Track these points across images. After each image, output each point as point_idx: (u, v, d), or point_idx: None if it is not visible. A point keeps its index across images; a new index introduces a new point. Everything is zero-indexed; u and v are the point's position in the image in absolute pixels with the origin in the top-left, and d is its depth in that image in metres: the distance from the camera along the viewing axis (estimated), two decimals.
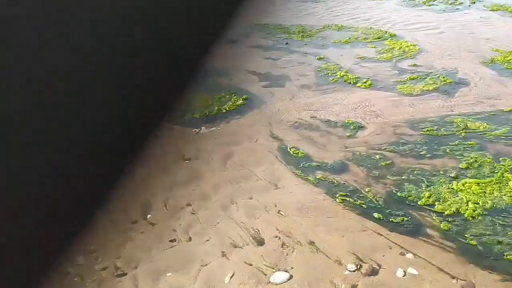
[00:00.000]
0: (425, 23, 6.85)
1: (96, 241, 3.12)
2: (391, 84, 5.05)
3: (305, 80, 5.39)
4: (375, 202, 3.20)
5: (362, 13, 7.60)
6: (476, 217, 2.94)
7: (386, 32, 6.59)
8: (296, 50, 6.32)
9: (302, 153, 3.91)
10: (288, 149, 4.00)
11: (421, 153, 3.71)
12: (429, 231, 2.89)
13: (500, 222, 2.89)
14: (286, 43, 6.57)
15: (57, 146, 3.02)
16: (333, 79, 5.32)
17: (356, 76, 5.28)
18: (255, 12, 8.40)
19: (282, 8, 8.51)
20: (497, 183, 3.24)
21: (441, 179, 3.35)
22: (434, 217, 3.00)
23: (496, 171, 3.36)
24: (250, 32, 7.20)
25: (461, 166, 3.47)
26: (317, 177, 3.55)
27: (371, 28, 6.85)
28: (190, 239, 3.05)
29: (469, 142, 3.76)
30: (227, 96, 5.15)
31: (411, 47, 5.97)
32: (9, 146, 2.55)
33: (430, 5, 7.68)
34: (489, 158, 3.52)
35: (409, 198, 3.20)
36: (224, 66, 6.02)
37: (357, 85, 5.10)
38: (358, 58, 5.86)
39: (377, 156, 3.73)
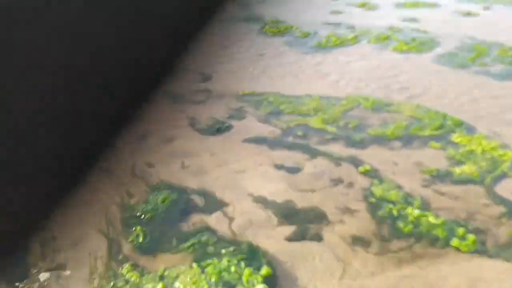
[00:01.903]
0: (496, 100, 4.78)
1: None
2: (504, 239, 2.91)
3: (355, 227, 3.16)
4: None
5: (392, 75, 5.46)
6: None
7: (445, 117, 4.46)
8: (318, 151, 4.09)
9: None
10: None
11: None
12: None
13: None
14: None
15: None
16: (406, 226, 3.12)
17: (440, 221, 3.11)
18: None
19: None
20: None
21: None
22: None
23: None
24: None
25: None
26: None
27: (417, 106, 4.71)
28: None
29: None
30: None
31: (500, 151, 3.86)
32: None
33: (484, 66, 5.63)
34: None
35: None
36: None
37: (452, 243, 2.92)
38: (424, 172, 3.70)
39: None
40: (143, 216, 3.31)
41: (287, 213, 3.38)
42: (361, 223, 3.27)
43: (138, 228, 3.21)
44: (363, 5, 7.73)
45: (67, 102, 3.44)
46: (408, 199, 3.46)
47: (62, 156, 3.52)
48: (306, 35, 6.52)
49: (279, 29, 6.77)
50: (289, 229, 3.23)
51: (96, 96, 3.92)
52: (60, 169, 3.51)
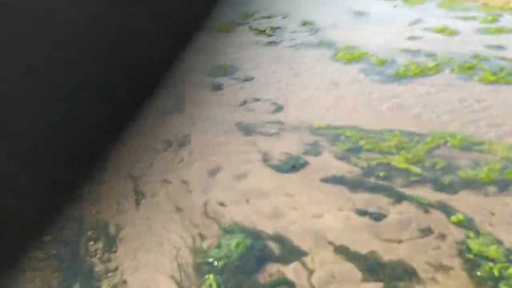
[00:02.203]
0: None
1: None
2: None
3: None
4: None
5: (479, 109, 4.99)
6: None
7: None
8: (403, 195, 3.74)
9: None
10: None
11: None
12: None
13: None
14: None
15: None
16: None
17: None
18: None
19: None
20: None
21: None
22: None
23: None
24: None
25: None
26: None
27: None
28: None
29: None
30: None
31: None
32: None
33: None
34: None
35: None
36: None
37: None
38: None
39: None
40: (216, 262, 3.12)
41: (372, 267, 3.06)
42: (457, 283, 2.89)
43: (212, 276, 3.02)
44: (442, 30, 7.29)
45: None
46: (509, 257, 3.04)
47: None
48: (383, 62, 6.18)
49: (353, 56, 6.49)
50: (375, 287, 2.91)
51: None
52: None
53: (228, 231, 3.42)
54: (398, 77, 5.75)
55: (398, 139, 4.47)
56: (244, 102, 5.47)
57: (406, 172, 3.96)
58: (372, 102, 5.21)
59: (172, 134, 4.95)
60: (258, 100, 5.52)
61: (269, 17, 8.99)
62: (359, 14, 8.55)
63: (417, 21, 7.84)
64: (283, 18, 8.85)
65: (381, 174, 3.96)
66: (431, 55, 6.34)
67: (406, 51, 6.61)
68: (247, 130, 4.83)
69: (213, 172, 4.15)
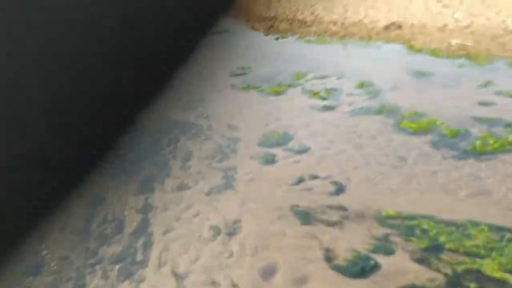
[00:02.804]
0: None
1: None
2: None
3: None
4: None
5: None
6: None
7: None
8: None
9: None
10: None
11: None
12: None
13: None
14: None
15: None
16: None
17: None
18: None
19: None
20: None
21: None
22: None
23: None
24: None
25: None
26: None
27: None
28: None
29: None
30: None
31: None
32: None
33: None
34: None
35: None
36: None
37: None
38: None
39: None
40: None
41: None
42: None
43: None
44: None
45: None
46: None
47: None
48: (455, 133, 5.52)
49: (420, 125, 5.86)
50: None
51: None
52: None
53: None
54: (475, 153, 5.06)
55: (486, 236, 3.76)
56: (300, 180, 4.93)
57: (503, 284, 3.24)
58: (448, 184, 4.54)
59: (221, 216, 4.45)
60: (315, 177, 4.97)
61: (323, 78, 8.57)
62: (421, 74, 7.97)
63: (488, 83, 7.15)
64: (337, 78, 8.40)
65: (471, 285, 3.25)
66: (511, 126, 5.62)
67: (479, 120, 5.92)
68: (305, 217, 4.26)
69: (267, 273, 3.57)
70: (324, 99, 7.47)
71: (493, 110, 6.19)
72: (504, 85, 7.07)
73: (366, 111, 6.64)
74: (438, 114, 6.22)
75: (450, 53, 8.88)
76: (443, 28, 10.57)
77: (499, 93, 6.72)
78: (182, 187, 5.28)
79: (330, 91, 7.75)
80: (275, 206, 4.48)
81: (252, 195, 4.72)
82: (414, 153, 5.22)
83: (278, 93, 8.06)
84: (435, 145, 5.33)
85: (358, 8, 13.77)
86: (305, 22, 13.80)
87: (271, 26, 14.43)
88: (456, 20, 10.53)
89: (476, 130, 5.61)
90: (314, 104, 7.22)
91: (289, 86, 8.35)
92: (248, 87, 8.54)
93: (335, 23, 12.91)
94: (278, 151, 5.53)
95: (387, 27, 11.27)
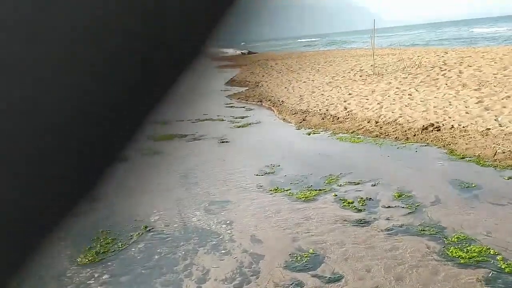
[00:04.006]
0: None
1: None
2: None
3: None
4: None
5: None
6: None
7: None
8: None
9: None
10: None
11: None
12: None
13: None
14: None
15: None
16: None
17: None
18: None
19: None
20: None
21: None
22: None
23: None
24: None
25: None
26: None
27: None
28: None
29: None
30: None
31: None
32: None
33: None
34: None
35: None
36: None
37: None
38: None
39: None
40: None
41: None
42: None
43: None
44: None
45: None
46: None
47: None
48: None
49: (471, 254, 5.09)
50: None
51: None
52: None
53: None
54: None
55: None
56: None
57: None
58: None
59: None
60: None
61: (357, 183, 7.96)
62: (466, 186, 7.26)
63: None
64: (373, 185, 7.77)
65: None
66: None
67: None
68: None
69: None
70: (358, 210, 6.81)
71: None
72: None
73: (406, 230, 5.92)
74: (491, 241, 5.43)
75: (497, 162, 8.20)
76: (485, 132, 9.97)
77: None
78: None
79: (365, 202, 7.10)
80: None
81: None
82: None
83: (308, 199, 7.46)
84: (490, 284, 4.52)
85: (392, 105, 13.42)
86: (338, 118, 13.50)
87: (303, 119, 14.19)
88: (500, 125, 9.95)
89: None
90: (348, 217, 6.56)
91: (320, 191, 7.76)
92: (276, 190, 7.99)
93: (369, 120, 12.53)
94: (306, 278, 4.83)
95: (425, 128, 10.77)
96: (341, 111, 13.85)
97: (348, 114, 13.30)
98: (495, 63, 16.41)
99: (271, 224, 6.47)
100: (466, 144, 9.35)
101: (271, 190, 7.95)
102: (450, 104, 12.04)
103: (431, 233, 5.75)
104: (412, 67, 18.35)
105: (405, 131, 10.99)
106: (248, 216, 6.83)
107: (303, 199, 7.42)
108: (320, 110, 14.47)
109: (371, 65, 19.39)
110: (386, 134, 10.91)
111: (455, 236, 5.57)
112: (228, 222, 6.68)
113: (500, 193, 6.83)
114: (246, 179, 8.70)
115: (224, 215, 6.98)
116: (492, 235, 5.56)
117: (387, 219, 6.35)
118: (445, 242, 5.47)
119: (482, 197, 6.78)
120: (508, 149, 8.54)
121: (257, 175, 8.92)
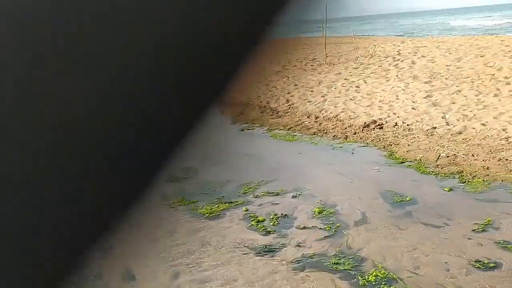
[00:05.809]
0: None
1: None
2: None
3: None
4: None
5: None
6: None
7: None
8: None
9: None
10: None
11: None
12: None
13: None
14: None
15: None
16: None
17: None
18: None
19: None
20: None
21: None
22: None
23: None
24: None
25: None
26: None
27: None
28: None
29: None
30: None
31: None
32: None
33: None
34: None
35: None
36: None
37: None
38: None
39: None
40: None
41: None
42: None
43: None
44: None
45: None
46: None
47: None
48: None
49: None
50: None
51: None
52: None
53: None
54: None
55: None
56: None
57: None
58: None
59: None
60: None
61: (277, 194, 6.67)
62: (399, 200, 6.08)
63: (486, 225, 5.24)
64: (294, 196, 6.51)
65: None
66: None
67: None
68: None
69: None
70: (267, 232, 5.52)
71: (497, 277, 4.20)
72: (511, 229, 5.15)
73: (316, 264, 4.67)
74: (417, 281, 4.22)
75: (439, 169, 7.06)
76: (431, 132, 8.87)
77: (504, 245, 4.78)
78: None
79: (278, 219, 5.82)
80: None
81: None
82: None
83: (212, 215, 6.11)
84: None
85: (336, 98, 12.22)
86: (278, 112, 12.21)
87: (241, 112, 12.79)
88: (447, 123, 8.85)
89: None
90: (251, 242, 5.26)
91: (231, 203, 6.43)
92: (180, 202, 6.60)
93: (309, 115, 11.28)
94: None
95: (366, 126, 9.58)
96: (283, 104, 12.56)
97: (289, 108, 12.02)
98: (449, 53, 15.46)
99: (153, 255, 5.08)
100: (409, 145, 8.21)
101: (174, 202, 6.55)
102: (397, 98, 10.92)
103: (346, 267, 4.51)
104: (366, 57, 17.24)
105: (345, 128, 9.80)
106: (128, 240, 5.39)
107: (207, 215, 6.07)
108: (261, 102, 13.13)
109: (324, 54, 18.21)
110: (325, 131, 9.68)
111: (373, 274, 4.34)
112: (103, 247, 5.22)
113: (437, 210, 5.67)
114: (150, 188, 7.25)
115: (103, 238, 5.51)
116: (419, 271, 4.36)
117: (298, 245, 5.09)
118: (359, 283, 4.22)
119: (415, 215, 5.61)
120: (453, 153, 7.42)
121: (165, 181, 7.46)
